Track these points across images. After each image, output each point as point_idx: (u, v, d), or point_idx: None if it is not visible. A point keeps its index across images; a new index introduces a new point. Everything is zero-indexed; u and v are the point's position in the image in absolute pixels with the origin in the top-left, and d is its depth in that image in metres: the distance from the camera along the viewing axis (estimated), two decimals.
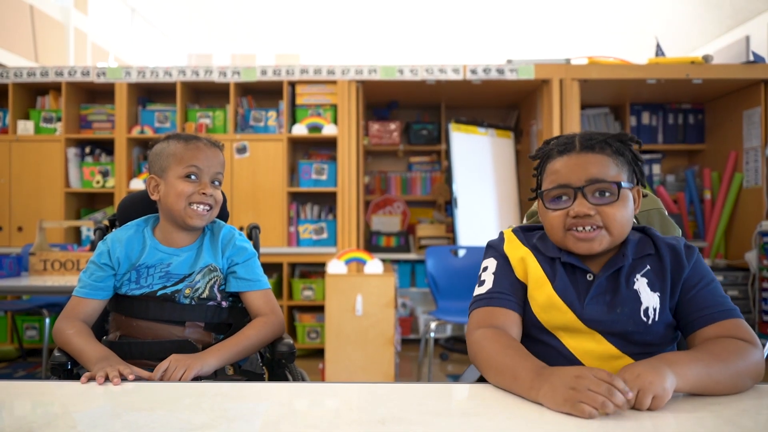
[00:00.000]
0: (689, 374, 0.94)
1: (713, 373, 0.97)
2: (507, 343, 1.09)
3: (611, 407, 0.85)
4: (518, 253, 1.21)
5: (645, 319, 1.11)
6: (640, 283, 1.13)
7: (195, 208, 1.43)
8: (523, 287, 1.19)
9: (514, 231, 1.27)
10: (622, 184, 1.12)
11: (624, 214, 1.13)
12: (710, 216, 4.61)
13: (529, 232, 1.26)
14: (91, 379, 1.12)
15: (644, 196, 1.24)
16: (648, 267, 1.15)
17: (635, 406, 0.88)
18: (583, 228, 1.12)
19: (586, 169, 1.13)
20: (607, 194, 1.12)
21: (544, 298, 1.15)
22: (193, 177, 1.43)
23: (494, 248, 1.25)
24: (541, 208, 1.19)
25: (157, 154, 1.46)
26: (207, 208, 1.45)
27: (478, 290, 1.20)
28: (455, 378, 3.81)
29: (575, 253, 1.15)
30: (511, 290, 1.18)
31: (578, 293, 1.14)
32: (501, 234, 1.27)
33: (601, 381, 0.87)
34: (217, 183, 1.48)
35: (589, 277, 1.15)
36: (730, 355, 1.00)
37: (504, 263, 1.21)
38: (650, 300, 1.12)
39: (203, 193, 1.43)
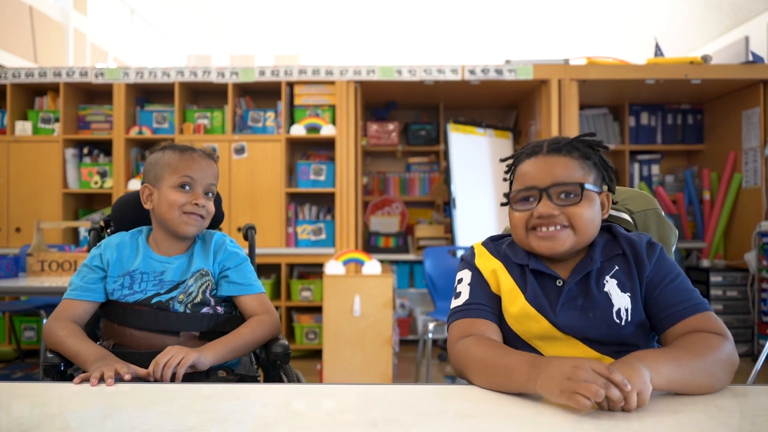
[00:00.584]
0: (662, 370, 0.94)
1: (686, 367, 0.96)
2: (493, 344, 1.08)
3: (603, 395, 0.84)
4: (489, 266, 1.21)
5: (618, 320, 1.11)
6: (610, 285, 1.13)
7: (187, 216, 1.44)
8: (497, 299, 1.19)
9: (484, 243, 1.28)
10: (585, 185, 1.13)
11: (589, 213, 1.13)
12: (709, 216, 4.60)
13: (499, 241, 1.27)
14: (85, 380, 1.11)
15: (613, 202, 1.23)
16: (617, 267, 1.15)
17: (623, 408, 0.87)
18: (547, 228, 1.13)
19: (551, 170, 1.14)
20: (572, 195, 1.13)
21: (518, 309, 1.15)
22: (186, 187, 1.44)
23: (467, 261, 1.25)
24: (510, 210, 1.20)
25: (152, 164, 1.48)
26: (199, 217, 1.46)
27: (455, 302, 1.20)
28: (453, 379, 3.80)
29: (538, 253, 1.16)
30: (487, 301, 1.18)
31: (550, 300, 1.14)
32: (471, 248, 1.28)
33: (598, 374, 0.87)
34: (210, 194, 1.49)
35: (559, 283, 1.15)
36: (700, 348, 1.00)
37: (478, 275, 1.22)
38: (621, 301, 1.12)
39: (195, 204, 1.44)
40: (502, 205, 1.28)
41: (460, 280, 1.23)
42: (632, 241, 1.17)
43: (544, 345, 1.14)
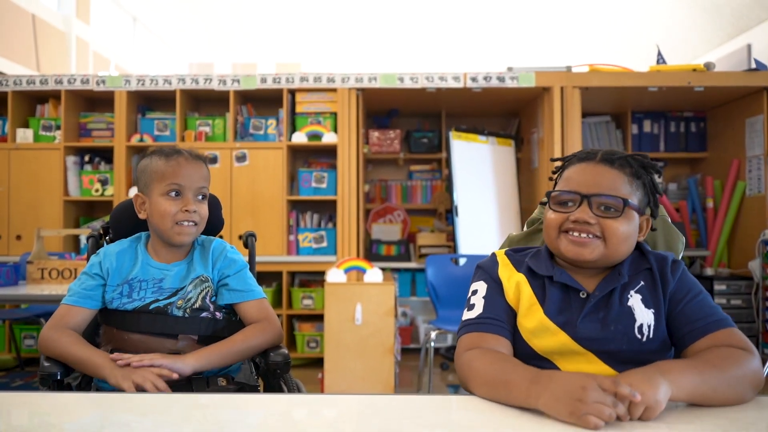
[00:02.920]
0: (684, 382, 0.92)
1: (709, 380, 0.94)
2: (496, 357, 1.06)
3: (614, 416, 0.84)
4: (513, 279, 1.18)
5: (639, 336, 1.09)
6: (634, 300, 1.11)
7: (180, 225, 1.42)
8: (513, 313, 1.17)
9: (507, 254, 1.25)
10: (629, 201, 1.11)
11: (625, 230, 1.11)
12: (713, 225, 4.58)
13: (521, 253, 1.25)
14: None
15: (652, 228, 1.21)
16: (642, 283, 1.13)
17: (630, 416, 0.86)
18: (579, 234, 1.12)
19: (597, 180, 1.13)
20: (612, 209, 1.11)
21: (535, 323, 1.13)
22: (175, 194, 1.43)
23: (486, 271, 1.22)
24: (546, 209, 1.19)
25: (142, 171, 1.47)
26: (192, 224, 1.44)
27: (468, 315, 1.17)
28: (456, 388, 3.77)
29: (564, 256, 1.14)
30: (502, 316, 1.15)
31: (571, 312, 1.12)
32: (493, 256, 1.25)
33: (607, 392, 0.85)
34: (201, 197, 1.47)
35: (583, 295, 1.13)
36: (725, 362, 0.98)
37: (495, 287, 1.19)
38: (644, 317, 1.10)
39: (186, 210, 1.42)
40: (541, 204, 1.26)
41: (475, 292, 1.20)
42: (659, 258, 1.16)
43: (561, 360, 1.11)
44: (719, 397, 0.95)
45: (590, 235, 1.11)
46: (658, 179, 1.19)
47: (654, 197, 1.18)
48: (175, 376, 1.27)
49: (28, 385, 3.67)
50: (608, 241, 1.11)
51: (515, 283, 1.17)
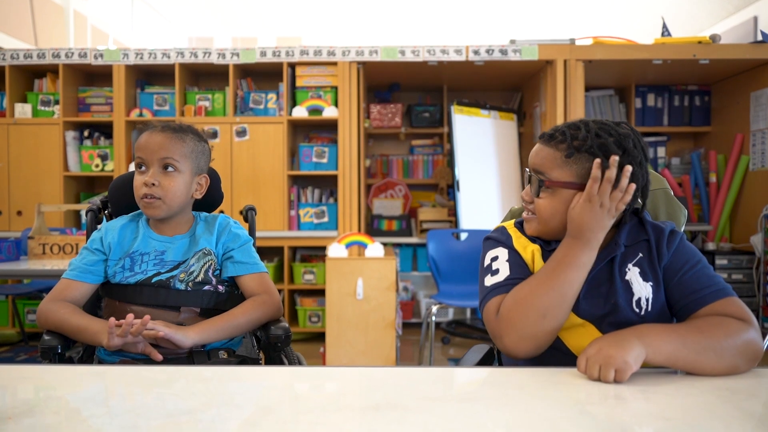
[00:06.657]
0: (661, 346, 0.93)
1: (690, 346, 0.94)
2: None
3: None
4: (529, 249, 1.18)
5: (637, 310, 1.09)
6: (632, 273, 1.11)
7: (145, 199, 1.40)
8: None
9: (516, 226, 1.25)
10: (542, 181, 1.13)
11: (549, 207, 1.13)
12: (716, 199, 4.56)
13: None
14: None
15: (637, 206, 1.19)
16: (640, 255, 1.13)
17: (601, 379, 0.90)
18: (526, 212, 1.19)
19: (534, 159, 1.16)
20: (542, 186, 1.14)
21: None
22: (142, 167, 1.42)
23: (501, 242, 1.21)
24: None
25: None
26: (156, 198, 1.39)
27: (494, 279, 1.15)
28: (456, 362, 3.80)
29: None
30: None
31: None
32: (504, 229, 1.24)
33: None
34: (170, 169, 1.41)
35: None
36: (714, 329, 0.98)
37: (516, 254, 1.18)
38: (642, 290, 1.10)
39: (145, 184, 1.39)
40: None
41: (495, 258, 1.18)
42: (657, 229, 1.15)
43: (565, 333, 1.12)
44: (702, 362, 0.94)
45: (529, 213, 1.18)
46: (631, 145, 1.10)
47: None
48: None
49: (32, 359, 3.70)
50: (538, 217, 1.15)
51: (530, 253, 1.18)
